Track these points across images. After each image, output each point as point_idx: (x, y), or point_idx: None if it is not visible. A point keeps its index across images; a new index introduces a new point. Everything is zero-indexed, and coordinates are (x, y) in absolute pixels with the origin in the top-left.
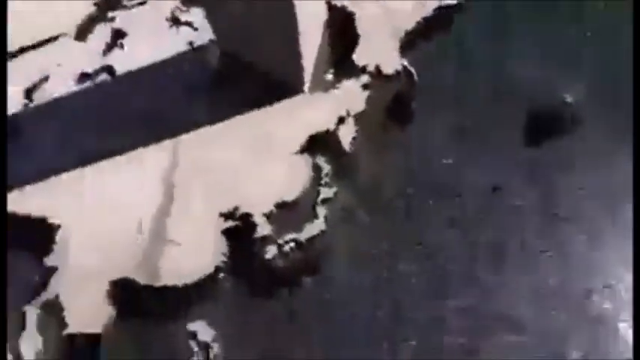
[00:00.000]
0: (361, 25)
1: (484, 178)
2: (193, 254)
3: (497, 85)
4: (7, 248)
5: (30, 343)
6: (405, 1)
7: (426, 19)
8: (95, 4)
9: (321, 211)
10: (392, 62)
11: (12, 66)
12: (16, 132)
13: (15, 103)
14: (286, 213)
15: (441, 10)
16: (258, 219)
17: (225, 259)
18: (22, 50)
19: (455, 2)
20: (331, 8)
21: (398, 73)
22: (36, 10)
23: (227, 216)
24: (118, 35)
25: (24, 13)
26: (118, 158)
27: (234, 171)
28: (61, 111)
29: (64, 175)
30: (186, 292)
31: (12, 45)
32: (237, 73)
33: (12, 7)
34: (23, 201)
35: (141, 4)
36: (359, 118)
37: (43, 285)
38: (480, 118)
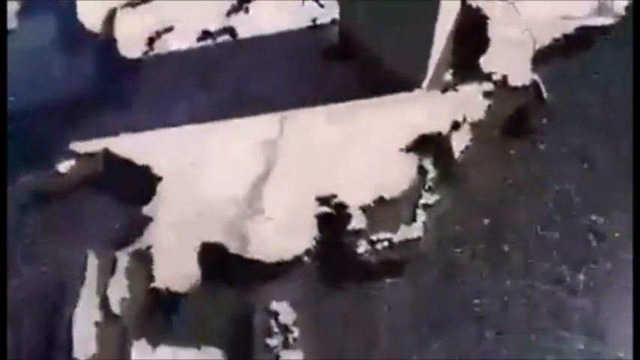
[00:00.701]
0: (494, 31)
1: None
2: (284, 232)
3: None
4: (107, 190)
5: (116, 289)
6: (546, 14)
7: (566, 36)
8: None
9: (421, 215)
10: (521, 74)
11: (140, 10)
12: (133, 76)
13: (137, 48)
14: (383, 210)
15: (582, 30)
16: (354, 211)
17: (315, 244)
18: None
19: (599, 24)
20: (465, 7)
21: (526, 87)
22: None
23: (323, 201)
24: None
25: None
26: (224, 122)
27: (337, 157)
28: (179, 64)
29: (173, 129)
30: (272, 269)
31: None
32: (356, 57)
33: None
34: (130, 147)
35: None
36: (475, 126)
37: (137, 233)
38: (607, 149)
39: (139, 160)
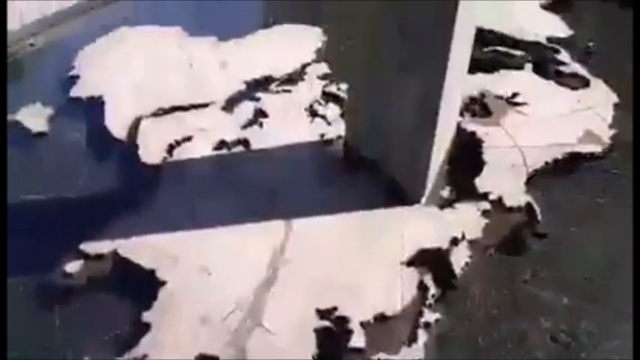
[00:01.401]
0: (488, 154)
1: None
2: (284, 347)
3: None
4: (113, 293)
5: None
6: (537, 140)
7: (556, 161)
8: (246, 83)
9: (422, 335)
10: (516, 196)
11: (163, 119)
12: (150, 182)
13: (157, 155)
14: (384, 327)
15: (572, 156)
16: (355, 326)
17: None
18: (175, 109)
19: (585, 151)
20: (460, 130)
21: (520, 208)
22: (191, 78)
23: (323, 314)
24: (260, 114)
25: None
26: (232, 227)
27: (340, 267)
28: (193, 171)
29: (180, 233)
30: None
31: (168, 103)
32: (360, 170)
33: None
34: (138, 250)
35: (286, 91)
36: (473, 243)
37: (135, 341)
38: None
39: (147, 264)
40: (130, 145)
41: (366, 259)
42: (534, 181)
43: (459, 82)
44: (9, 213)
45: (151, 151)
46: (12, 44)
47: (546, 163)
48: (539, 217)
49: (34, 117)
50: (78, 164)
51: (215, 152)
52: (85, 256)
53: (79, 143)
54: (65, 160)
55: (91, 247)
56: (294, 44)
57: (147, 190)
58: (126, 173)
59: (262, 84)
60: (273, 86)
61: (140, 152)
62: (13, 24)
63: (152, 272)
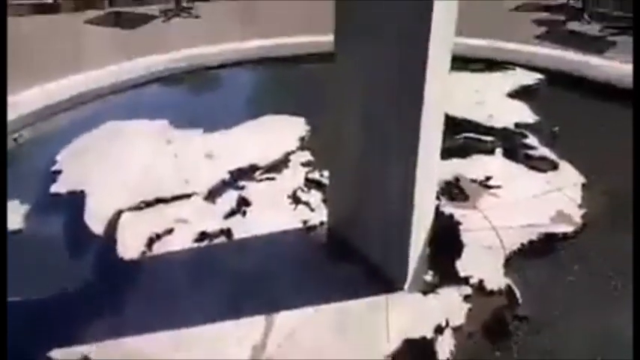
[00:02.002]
0: (466, 237)
1: None
2: None
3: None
4: None
5: None
6: (513, 222)
7: (531, 242)
8: (230, 173)
9: None
10: (495, 279)
11: (144, 214)
12: (127, 279)
13: (135, 249)
14: None
15: (548, 237)
16: None
17: None
18: (158, 201)
19: (559, 231)
20: (438, 214)
21: (500, 291)
22: (176, 170)
23: None
24: (243, 203)
25: (164, 175)
26: (211, 326)
27: None
28: (172, 266)
29: (158, 334)
30: None
31: (150, 196)
32: (343, 257)
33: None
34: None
35: (270, 179)
36: (457, 330)
37: None
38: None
39: None
40: (108, 241)
41: (352, 353)
42: (512, 262)
43: (434, 167)
44: None
45: (129, 246)
46: None
47: (522, 244)
48: (520, 300)
49: (10, 214)
50: (52, 263)
51: (196, 244)
52: None
53: (54, 241)
54: (38, 259)
55: (60, 354)
56: (279, 134)
57: (123, 289)
58: (102, 271)
59: (247, 173)
60: (257, 175)
61: (118, 248)
62: None
63: None
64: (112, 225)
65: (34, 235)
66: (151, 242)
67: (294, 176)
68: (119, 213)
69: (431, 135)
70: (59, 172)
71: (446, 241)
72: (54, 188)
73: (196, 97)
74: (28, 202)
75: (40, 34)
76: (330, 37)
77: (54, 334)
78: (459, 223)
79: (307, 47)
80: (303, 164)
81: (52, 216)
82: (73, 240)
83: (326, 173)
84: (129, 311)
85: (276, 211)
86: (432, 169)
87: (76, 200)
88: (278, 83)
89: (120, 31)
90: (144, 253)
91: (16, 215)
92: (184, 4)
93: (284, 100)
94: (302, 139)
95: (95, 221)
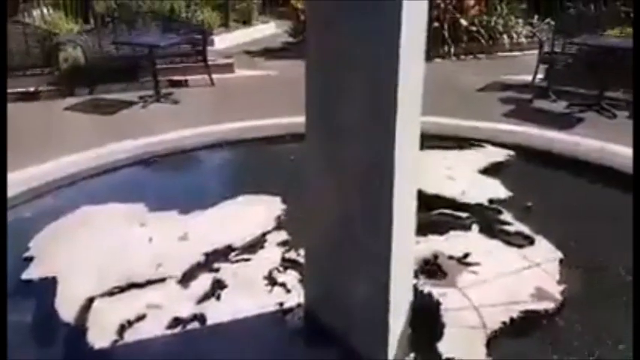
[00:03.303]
0: (447, 316)
1: None
2: None
3: None
4: None
5: None
6: (493, 300)
7: (512, 320)
8: (205, 254)
9: None
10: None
11: (116, 300)
12: None
13: (106, 337)
14: None
15: (529, 314)
16: None
17: None
18: (131, 286)
19: (539, 309)
20: (417, 293)
21: None
22: (150, 254)
23: None
24: (218, 286)
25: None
26: None
27: None
28: (143, 355)
29: None
30: None
31: (123, 281)
32: (320, 340)
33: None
34: None
35: (245, 260)
36: None
37: None
38: None
39: None
40: (78, 329)
41: None
42: (494, 341)
43: (409, 245)
44: None
45: (100, 334)
46: None
47: (503, 322)
48: None
49: None
50: (21, 351)
51: (169, 331)
52: None
53: (23, 328)
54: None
55: None
56: (255, 214)
57: None
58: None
59: (222, 254)
60: (232, 256)
61: (89, 336)
62: None
63: None
64: (83, 312)
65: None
66: (122, 329)
67: (270, 256)
68: (91, 299)
69: (405, 211)
70: (31, 258)
71: (426, 321)
72: (25, 275)
73: (172, 179)
74: None
75: (20, 121)
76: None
77: None
78: (439, 303)
79: (283, 128)
80: (280, 244)
81: (22, 303)
82: (42, 328)
83: (302, 252)
84: None
85: (252, 293)
86: (408, 246)
87: (47, 287)
88: (254, 164)
89: (99, 117)
90: (115, 341)
91: None
92: (164, 91)
93: (260, 180)
94: (278, 218)
95: (66, 308)
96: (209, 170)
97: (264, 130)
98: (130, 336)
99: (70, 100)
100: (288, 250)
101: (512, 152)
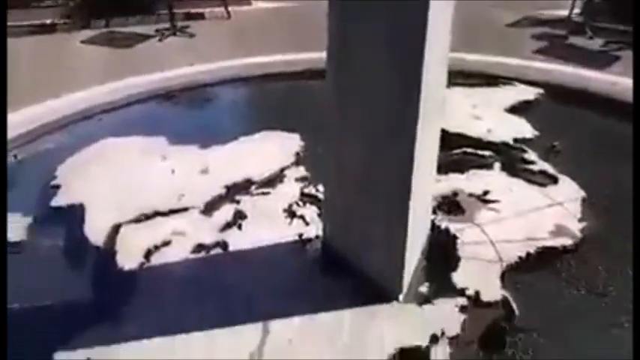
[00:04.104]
0: (463, 250)
1: None
2: None
3: None
4: None
5: None
6: (511, 236)
7: (529, 256)
8: (226, 187)
9: None
10: (492, 290)
11: (142, 227)
12: (127, 288)
13: (134, 260)
14: None
15: (546, 250)
16: None
17: None
18: (156, 214)
19: (557, 245)
20: (435, 228)
21: (497, 302)
22: (173, 185)
23: None
24: (239, 216)
25: (161, 189)
26: (207, 333)
27: None
28: (170, 276)
29: (154, 340)
30: None
31: (148, 209)
32: (338, 269)
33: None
34: (113, 357)
35: (265, 193)
36: (453, 340)
37: None
38: None
39: None
40: (107, 252)
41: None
42: (509, 275)
43: (430, 181)
44: None
45: (128, 257)
46: None
47: (520, 257)
48: (516, 312)
49: (12, 227)
50: (54, 272)
51: (193, 255)
52: None
53: (56, 251)
54: (41, 268)
55: (64, 357)
56: (273, 149)
57: (123, 297)
58: (102, 280)
59: (242, 187)
60: (252, 189)
61: (118, 259)
62: None
63: None
64: (111, 237)
65: (37, 247)
66: (149, 253)
67: (289, 191)
68: (118, 226)
69: (427, 149)
70: (58, 186)
71: (442, 254)
72: (54, 202)
73: (192, 114)
74: (29, 215)
75: (37, 54)
76: (322, 54)
77: (57, 339)
78: (455, 237)
79: (302, 64)
80: (298, 179)
81: (53, 229)
82: (73, 251)
83: (321, 188)
84: (128, 318)
85: (271, 224)
86: (428, 182)
87: (75, 214)
88: (273, 100)
89: (115, 51)
90: (142, 264)
91: (18, 227)
92: (180, 24)
93: (279, 116)
94: (297, 154)
95: (95, 233)
96: (227, 106)
97: (281, 65)
98: (156, 259)
99: (86, 33)
100: (307, 186)
101: (542, 90)
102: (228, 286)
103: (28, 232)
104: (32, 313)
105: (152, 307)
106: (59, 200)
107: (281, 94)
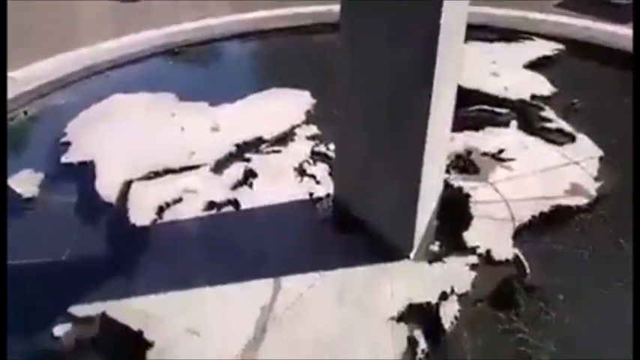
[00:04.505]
0: (476, 209)
1: None
2: None
3: None
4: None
5: None
6: (524, 194)
7: (542, 215)
8: (237, 145)
9: None
10: (504, 249)
11: (153, 183)
12: (140, 244)
13: (147, 216)
14: None
15: (560, 209)
16: None
17: None
18: (167, 172)
19: (572, 204)
20: (448, 187)
21: (508, 261)
22: (183, 142)
23: None
24: (250, 174)
25: (172, 147)
26: (219, 288)
27: (329, 325)
28: (182, 233)
29: (170, 294)
30: None
31: (159, 166)
32: (349, 227)
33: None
34: (127, 311)
35: (276, 152)
36: (463, 297)
37: None
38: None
39: (135, 326)
40: (119, 208)
41: (356, 315)
42: (522, 234)
43: (444, 139)
44: None
45: (140, 214)
46: None
47: (533, 216)
48: (528, 270)
49: (24, 183)
50: (67, 228)
51: (205, 213)
52: (74, 319)
53: (68, 207)
54: (54, 224)
55: (79, 310)
56: (284, 107)
57: (136, 252)
58: (115, 236)
59: (252, 145)
60: (263, 147)
61: (130, 215)
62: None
63: (140, 333)
64: (123, 193)
65: (50, 203)
66: (161, 210)
67: (300, 149)
68: (129, 182)
69: (443, 106)
70: (69, 143)
71: (454, 212)
72: (65, 158)
73: (200, 70)
74: (41, 171)
75: (41, 9)
76: (334, 7)
77: (72, 293)
78: (468, 196)
79: (311, 18)
80: (309, 137)
81: (64, 185)
82: (85, 207)
83: (332, 146)
84: (142, 273)
85: (283, 182)
86: (441, 140)
87: (86, 170)
88: (282, 55)
89: (120, 5)
90: (155, 220)
91: (31, 184)
92: None
93: (289, 72)
94: (308, 112)
95: (106, 190)
96: (237, 61)
97: (293, 19)
98: (168, 216)
99: None
100: (317, 144)
101: (562, 46)
102: (239, 243)
103: (40, 188)
104: (47, 267)
105: (165, 262)
106: (70, 157)
107: (292, 50)
